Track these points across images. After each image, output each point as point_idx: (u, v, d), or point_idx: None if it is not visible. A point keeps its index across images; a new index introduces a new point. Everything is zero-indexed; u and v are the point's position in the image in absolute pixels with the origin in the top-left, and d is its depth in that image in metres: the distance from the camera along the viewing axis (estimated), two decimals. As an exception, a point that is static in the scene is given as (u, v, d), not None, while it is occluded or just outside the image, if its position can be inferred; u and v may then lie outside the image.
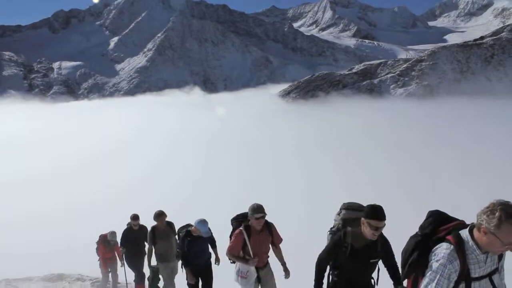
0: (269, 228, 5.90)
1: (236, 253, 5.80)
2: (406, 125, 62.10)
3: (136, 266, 9.54)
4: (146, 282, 9.41)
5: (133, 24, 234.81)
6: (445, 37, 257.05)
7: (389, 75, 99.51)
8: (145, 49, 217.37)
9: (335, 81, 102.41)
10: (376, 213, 4.13)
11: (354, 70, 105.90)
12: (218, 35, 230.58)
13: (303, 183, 38.58)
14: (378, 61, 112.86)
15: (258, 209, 5.60)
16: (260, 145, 56.39)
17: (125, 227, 9.98)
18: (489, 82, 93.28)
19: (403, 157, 46.00)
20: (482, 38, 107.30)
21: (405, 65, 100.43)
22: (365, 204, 4.42)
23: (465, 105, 72.68)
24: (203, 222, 6.87)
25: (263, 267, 6.01)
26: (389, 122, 64.22)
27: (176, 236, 7.93)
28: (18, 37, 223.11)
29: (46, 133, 75.48)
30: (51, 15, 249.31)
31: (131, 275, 9.93)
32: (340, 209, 4.82)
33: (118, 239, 9.93)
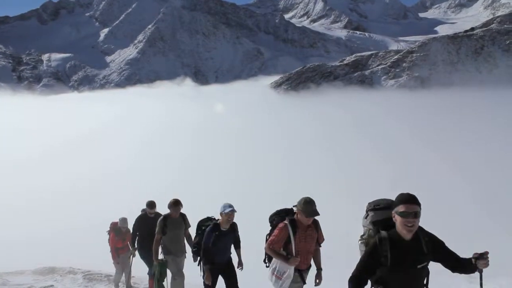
0: (315, 225, 5.35)
1: (277, 249, 5.16)
2: (397, 116, 62.37)
3: (148, 256, 8.73)
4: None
5: (123, 15, 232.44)
6: (436, 28, 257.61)
7: (380, 67, 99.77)
8: (136, 41, 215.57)
9: (326, 72, 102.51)
10: (403, 196, 3.49)
11: (345, 62, 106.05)
12: (209, 27, 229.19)
13: (294, 175, 38.66)
14: (369, 53, 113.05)
15: (311, 203, 5.02)
16: (250, 137, 56.36)
17: (116, 217, 9.83)
18: (479, 73, 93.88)
19: (394, 148, 46.24)
20: (472, 29, 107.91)
21: (396, 57, 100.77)
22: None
23: (456, 96, 73.11)
24: (226, 205, 6.35)
25: (306, 269, 5.40)
26: (380, 114, 64.46)
27: (183, 230, 7.62)
28: (6, 29, 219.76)
29: (33, 123, 75.00)
30: (40, 6, 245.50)
31: (138, 268, 9.41)
32: (367, 211, 4.08)
33: (131, 226, 9.27)
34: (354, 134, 53.47)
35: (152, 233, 7.96)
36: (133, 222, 8.97)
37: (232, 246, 6.76)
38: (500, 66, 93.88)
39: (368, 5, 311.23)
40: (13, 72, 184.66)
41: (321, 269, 5.51)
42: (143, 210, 9.02)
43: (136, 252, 9.21)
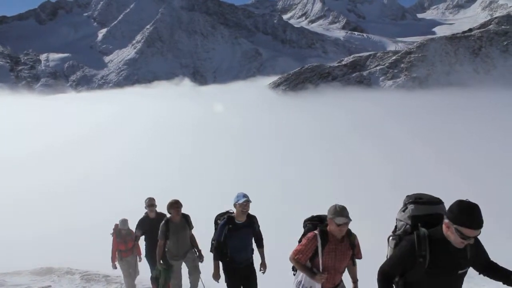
0: (351, 238, 4.54)
1: (303, 261, 4.46)
2: (395, 116, 62.42)
3: (154, 262, 8.17)
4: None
5: (121, 15, 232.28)
6: (433, 29, 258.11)
7: (378, 67, 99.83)
8: (134, 41, 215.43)
9: (324, 73, 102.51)
10: (472, 219, 3.05)
11: (343, 62, 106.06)
12: (207, 27, 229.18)
13: (293, 176, 38.66)
14: (367, 53, 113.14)
15: (341, 212, 4.26)
16: (249, 137, 56.35)
17: (117, 219, 9.72)
18: (477, 74, 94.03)
19: (392, 149, 46.27)
20: (470, 30, 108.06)
21: (394, 57, 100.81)
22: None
23: (454, 96, 73.23)
24: (240, 195, 5.82)
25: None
26: (379, 114, 64.50)
27: (187, 232, 7.30)
28: (4, 29, 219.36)
29: (30, 123, 74.94)
30: (38, 6, 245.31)
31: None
32: (405, 203, 3.66)
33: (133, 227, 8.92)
34: (353, 135, 53.48)
35: (155, 235, 7.56)
36: (135, 226, 8.62)
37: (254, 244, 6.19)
38: (498, 67, 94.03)
39: (366, 6, 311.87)
40: (11, 72, 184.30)
41: (357, 280, 4.85)
42: (146, 213, 8.65)
43: (143, 256, 8.99)
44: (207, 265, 6.99)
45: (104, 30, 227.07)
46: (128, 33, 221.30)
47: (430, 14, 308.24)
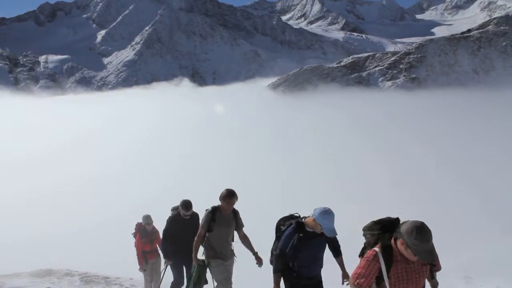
0: None
1: (366, 286, 3.58)
2: (394, 117, 62.46)
3: (179, 267, 7.30)
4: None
5: (120, 17, 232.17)
6: (432, 30, 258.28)
7: (377, 68, 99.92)
8: (133, 43, 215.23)
9: (323, 74, 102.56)
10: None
11: (342, 63, 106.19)
12: (206, 28, 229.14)
13: (292, 176, 38.65)
14: (366, 54, 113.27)
15: (426, 236, 3.24)
16: (248, 138, 56.34)
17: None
18: (476, 74, 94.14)
19: (392, 149, 46.30)
20: (469, 31, 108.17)
21: (393, 58, 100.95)
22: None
23: (453, 97, 73.28)
24: (327, 214, 4.62)
25: None
26: (378, 115, 64.55)
27: (232, 229, 6.35)
28: (3, 30, 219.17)
29: (30, 124, 74.90)
30: (37, 8, 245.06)
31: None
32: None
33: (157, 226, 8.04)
34: (352, 135, 53.51)
35: (186, 238, 6.75)
36: (165, 224, 7.45)
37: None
38: (497, 67, 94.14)
39: (365, 6, 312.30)
40: (10, 73, 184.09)
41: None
42: (174, 209, 7.54)
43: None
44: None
45: (103, 32, 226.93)
46: (127, 35, 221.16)
47: (429, 15, 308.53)
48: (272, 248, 5.25)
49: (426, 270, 3.61)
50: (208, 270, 6.47)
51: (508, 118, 50.93)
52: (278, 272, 4.95)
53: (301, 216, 5.10)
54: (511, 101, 60.34)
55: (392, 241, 3.52)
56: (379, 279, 3.54)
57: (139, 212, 8.54)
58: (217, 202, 6.16)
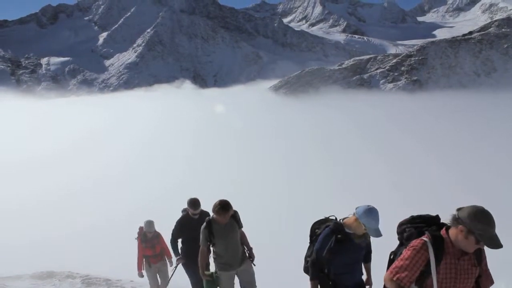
0: (477, 253, 3.17)
1: (407, 283, 3.09)
2: (396, 119, 62.46)
3: (194, 270, 6.77)
4: None
5: (122, 19, 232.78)
6: (434, 32, 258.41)
7: (378, 70, 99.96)
8: (135, 45, 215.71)
9: (325, 76, 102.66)
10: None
11: (344, 66, 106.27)
12: (208, 31, 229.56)
13: (294, 177, 38.64)
14: (367, 57, 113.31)
15: (487, 214, 2.98)
16: (250, 140, 56.36)
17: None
18: (477, 77, 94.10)
19: (393, 151, 46.28)
20: (470, 33, 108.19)
21: (394, 60, 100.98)
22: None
23: (454, 99, 73.25)
24: (373, 212, 4.16)
25: None
26: (379, 117, 64.54)
27: (237, 232, 5.92)
28: (5, 32, 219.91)
29: (31, 127, 75.03)
30: (39, 10, 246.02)
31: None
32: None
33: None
34: (353, 137, 53.51)
35: (197, 239, 6.27)
36: (174, 225, 7.13)
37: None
38: (498, 69, 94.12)
39: (366, 9, 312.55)
40: (12, 76, 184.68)
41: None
42: (184, 210, 7.24)
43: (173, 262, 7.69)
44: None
45: (104, 34, 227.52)
46: (129, 37, 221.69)
47: (430, 17, 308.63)
48: (306, 254, 4.79)
49: (475, 272, 3.16)
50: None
51: (509, 119, 50.90)
52: (315, 279, 4.49)
53: (338, 218, 4.66)
54: (513, 103, 60.35)
55: (443, 231, 3.13)
56: (423, 275, 3.09)
57: (141, 214, 8.49)
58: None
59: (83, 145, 58.92)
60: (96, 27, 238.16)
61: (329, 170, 39.75)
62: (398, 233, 3.54)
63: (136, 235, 8.73)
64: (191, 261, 6.76)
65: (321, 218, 4.82)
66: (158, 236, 8.57)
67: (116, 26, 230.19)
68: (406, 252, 3.14)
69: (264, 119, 72.06)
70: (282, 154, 49.69)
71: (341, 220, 4.48)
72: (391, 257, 3.47)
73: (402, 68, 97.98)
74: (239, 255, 5.87)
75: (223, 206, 5.46)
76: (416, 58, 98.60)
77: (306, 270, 4.70)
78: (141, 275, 8.76)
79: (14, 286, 11.42)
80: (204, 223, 5.76)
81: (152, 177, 40.57)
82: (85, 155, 53.36)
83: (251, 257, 5.97)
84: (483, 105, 64.20)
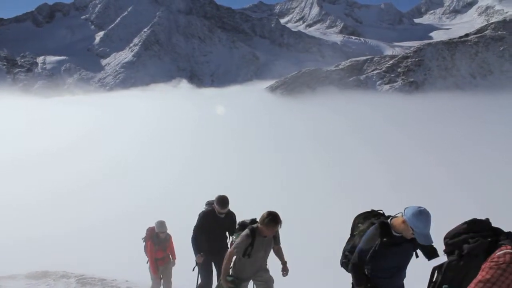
0: None
1: None
2: (392, 120, 62.60)
3: (208, 268, 6.43)
4: None
5: (119, 18, 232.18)
6: (430, 34, 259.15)
7: (375, 72, 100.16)
8: (131, 44, 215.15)
9: (322, 77, 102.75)
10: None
11: (340, 67, 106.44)
12: (205, 31, 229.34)
13: (291, 178, 38.64)
14: (364, 58, 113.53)
15: None
16: (247, 140, 56.35)
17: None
18: (473, 79, 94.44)
19: (389, 152, 46.37)
20: (466, 35, 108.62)
21: (391, 62, 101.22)
22: None
23: (450, 101, 73.49)
24: (423, 215, 3.69)
25: None
26: (376, 118, 64.67)
27: (270, 249, 5.53)
28: (1, 31, 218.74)
29: (27, 125, 74.72)
30: (35, 9, 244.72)
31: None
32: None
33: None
34: (350, 138, 53.60)
35: (218, 238, 6.15)
36: (197, 219, 6.63)
37: None
38: (494, 71, 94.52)
39: (363, 10, 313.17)
40: (8, 74, 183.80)
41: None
42: (208, 204, 6.78)
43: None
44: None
45: (101, 33, 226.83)
46: (126, 36, 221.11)
47: (427, 19, 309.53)
48: (344, 248, 4.41)
49: None
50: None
51: (505, 121, 51.11)
52: (361, 285, 4.04)
53: (386, 214, 4.24)
54: (508, 105, 60.59)
55: None
56: None
57: (137, 214, 8.46)
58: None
59: (79, 144, 58.73)
60: (93, 26, 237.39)
61: (326, 171, 39.80)
62: (452, 244, 3.01)
63: (144, 237, 8.32)
64: (207, 261, 6.47)
65: (366, 210, 4.43)
66: (168, 237, 8.27)
67: (112, 25, 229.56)
68: (487, 271, 2.45)
69: (261, 120, 72.06)
70: (278, 154, 49.70)
71: (388, 219, 4.07)
72: (435, 272, 2.97)
73: (399, 70, 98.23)
74: (260, 270, 5.50)
75: (274, 219, 5.00)
76: (413, 59, 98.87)
77: (343, 265, 4.37)
78: (158, 278, 8.26)
79: (8, 286, 11.35)
80: (248, 231, 5.23)
81: (148, 176, 40.49)
82: (80, 154, 53.19)
83: (285, 270, 5.63)
84: (479, 107, 64.45)
